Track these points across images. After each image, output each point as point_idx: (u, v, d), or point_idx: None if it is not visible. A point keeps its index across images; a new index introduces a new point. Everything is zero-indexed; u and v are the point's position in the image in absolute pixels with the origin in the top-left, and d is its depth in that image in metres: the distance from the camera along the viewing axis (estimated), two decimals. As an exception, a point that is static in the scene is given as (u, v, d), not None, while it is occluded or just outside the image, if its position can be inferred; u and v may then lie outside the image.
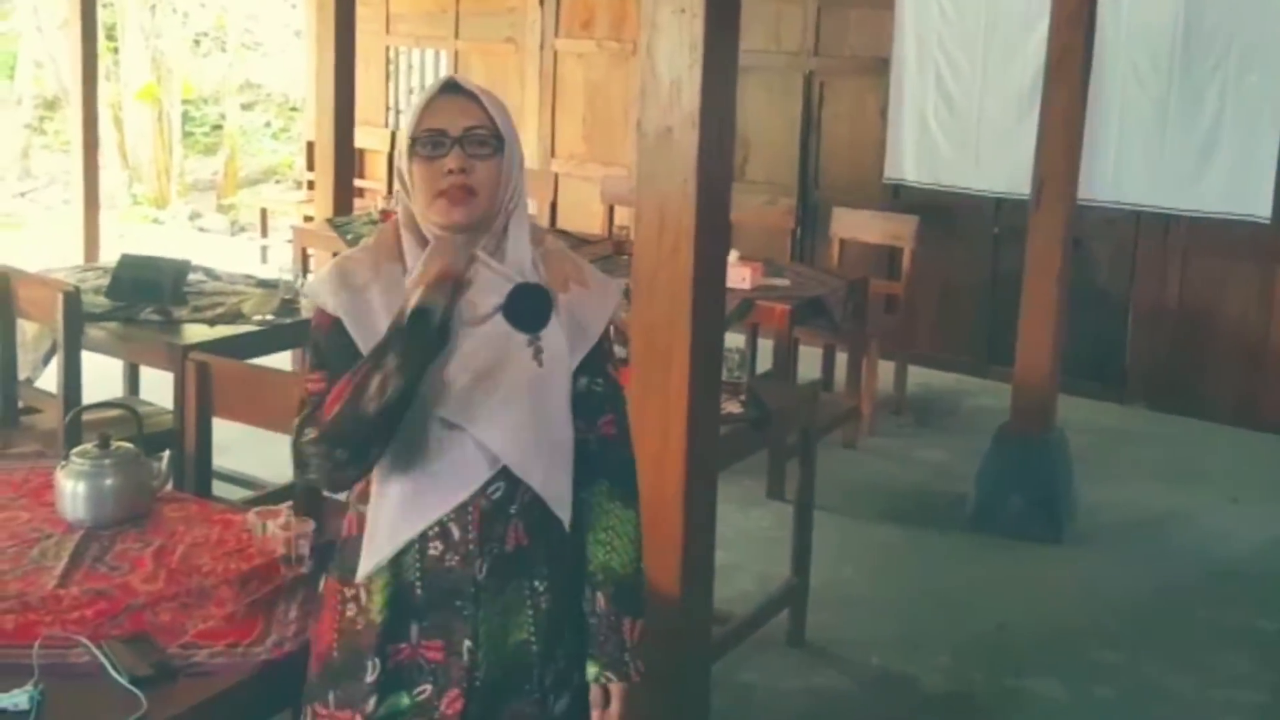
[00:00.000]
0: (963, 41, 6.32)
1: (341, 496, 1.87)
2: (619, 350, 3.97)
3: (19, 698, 1.90)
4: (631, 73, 7.46)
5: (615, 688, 1.86)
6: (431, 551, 1.75)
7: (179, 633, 2.13)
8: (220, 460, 3.32)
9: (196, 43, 12.51)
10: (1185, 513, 5.00)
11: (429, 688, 1.76)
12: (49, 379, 3.96)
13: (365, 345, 1.71)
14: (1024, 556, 4.52)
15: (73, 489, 2.53)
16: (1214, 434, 5.91)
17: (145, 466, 2.64)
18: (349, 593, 1.79)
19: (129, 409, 3.01)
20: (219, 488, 3.70)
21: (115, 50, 11.20)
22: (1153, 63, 5.87)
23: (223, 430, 3.18)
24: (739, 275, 4.89)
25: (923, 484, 5.19)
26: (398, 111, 8.66)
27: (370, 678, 1.76)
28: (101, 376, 4.54)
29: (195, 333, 4.00)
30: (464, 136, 1.73)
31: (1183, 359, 6.15)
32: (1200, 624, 4.10)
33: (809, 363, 5.95)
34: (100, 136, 6.98)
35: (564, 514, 1.81)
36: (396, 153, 1.81)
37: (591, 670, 1.86)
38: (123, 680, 1.96)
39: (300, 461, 1.72)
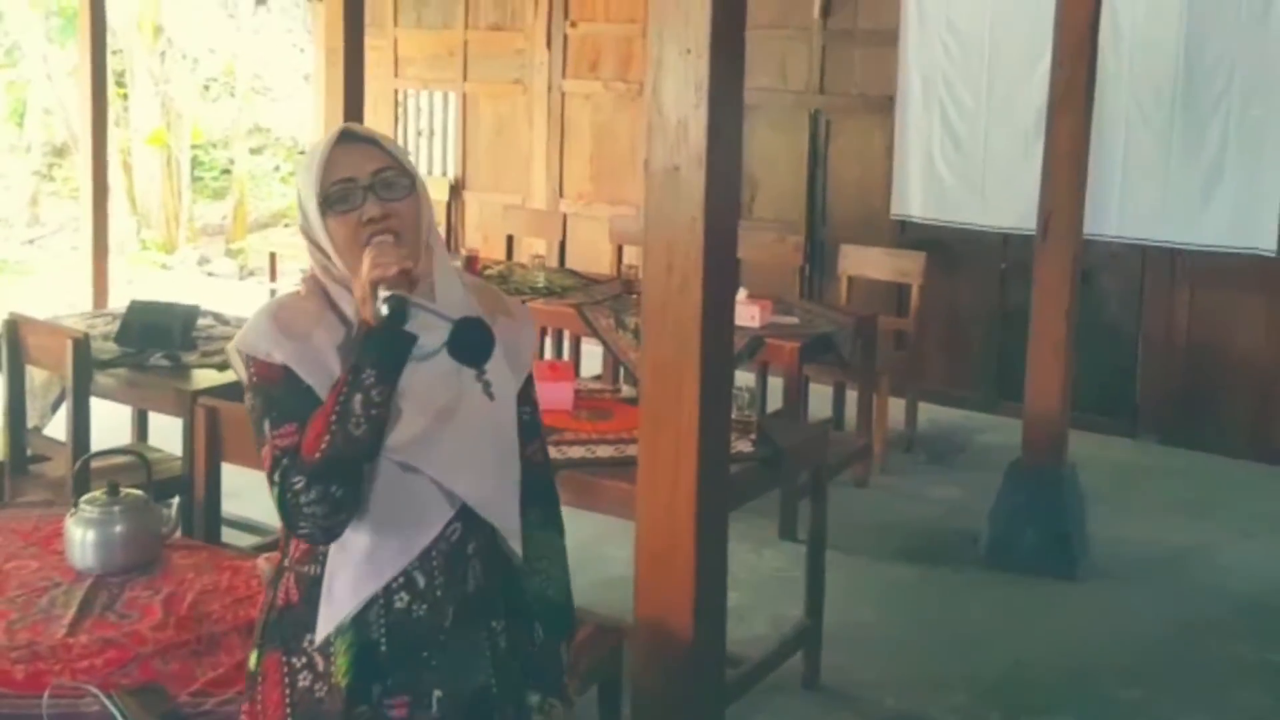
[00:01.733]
0: (967, 78, 6.35)
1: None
2: (628, 391, 3.97)
3: (28, 749, 1.89)
4: (638, 113, 7.50)
5: (556, 711, 1.86)
6: (398, 604, 1.70)
7: (189, 681, 2.13)
8: (229, 506, 3.31)
9: (206, 88, 12.60)
10: (1200, 547, 4.96)
11: None
12: (57, 426, 3.96)
13: (322, 390, 1.66)
14: (1039, 593, 4.48)
15: (82, 537, 2.54)
16: (1226, 467, 5.87)
17: (154, 514, 2.64)
18: (298, 662, 1.70)
19: (138, 455, 3.01)
20: (227, 534, 3.69)
21: (124, 96, 11.29)
22: (1155, 97, 5.88)
23: (231, 475, 3.17)
24: (748, 313, 4.88)
25: (935, 521, 5.15)
26: (406, 153, 8.69)
27: None
28: (110, 423, 4.53)
29: (204, 378, 4.00)
30: (374, 182, 1.69)
31: (1193, 392, 6.12)
32: (1217, 660, 4.05)
33: (819, 400, 5.93)
34: (109, 182, 7.01)
35: (518, 547, 1.79)
36: (301, 219, 1.73)
37: (534, 699, 1.85)
38: (132, 730, 1.95)
39: (292, 516, 1.64)
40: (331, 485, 1.61)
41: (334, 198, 1.68)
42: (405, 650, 1.70)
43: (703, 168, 2.37)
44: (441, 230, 8.24)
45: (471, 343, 1.62)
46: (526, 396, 1.85)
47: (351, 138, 1.73)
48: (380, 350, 1.60)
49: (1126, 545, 4.89)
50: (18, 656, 2.17)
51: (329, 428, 1.60)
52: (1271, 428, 5.92)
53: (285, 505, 1.64)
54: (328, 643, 1.69)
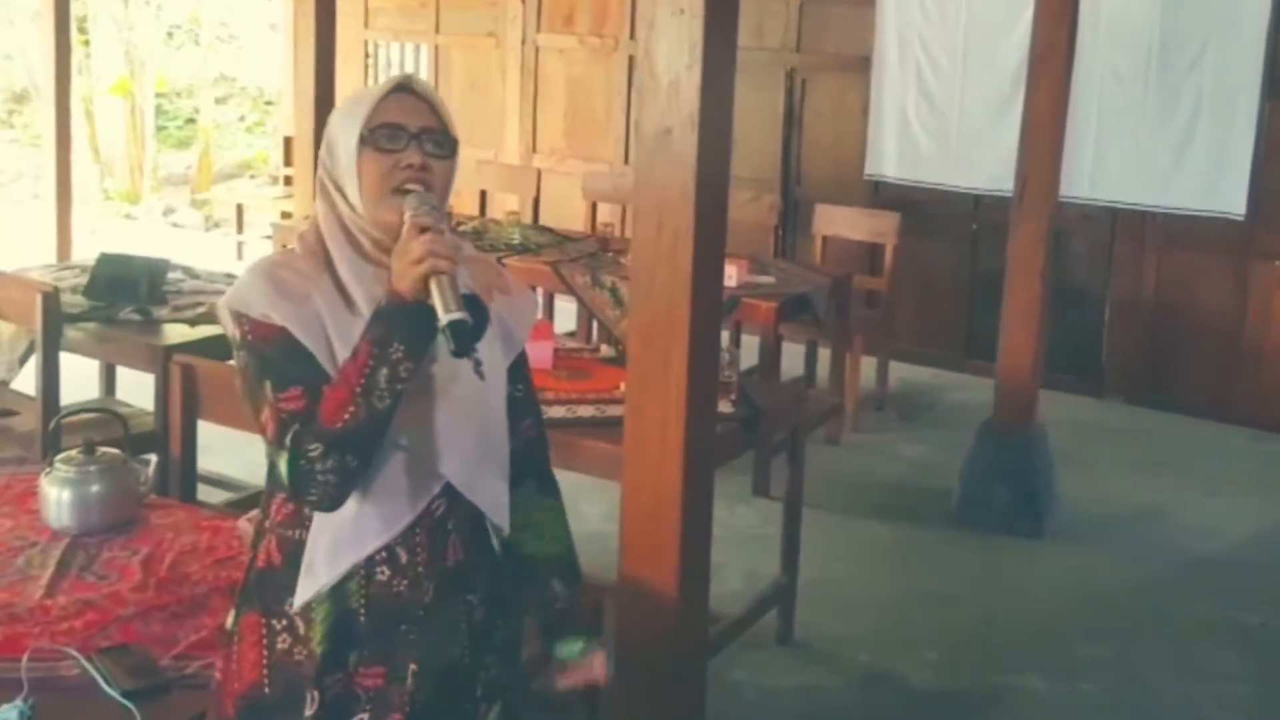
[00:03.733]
0: (943, 40, 6.33)
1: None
2: (607, 351, 3.97)
3: (9, 713, 1.87)
4: (614, 68, 7.44)
5: (600, 654, 1.91)
6: (379, 577, 1.69)
7: (171, 644, 2.11)
8: (201, 462, 3.28)
9: (170, 35, 12.39)
10: (1166, 506, 5.04)
11: (365, 716, 1.70)
12: (25, 380, 3.90)
13: (319, 354, 1.63)
14: (1008, 551, 4.54)
15: (58, 496, 2.50)
16: (1191, 428, 5.96)
17: (131, 472, 2.60)
18: (278, 625, 1.70)
19: (113, 413, 2.97)
20: (202, 490, 3.66)
21: (87, 44, 11.08)
22: (1130, 62, 5.89)
23: (201, 430, 3.15)
24: (726, 272, 4.86)
25: (906, 479, 5.20)
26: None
27: (309, 711, 1.68)
28: (78, 377, 4.47)
29: (176, 333, 3.96)
30: (420, 134, 1.67)
31: (1159, 354, 6.19)
32: (1183, 618, 4.13)
33: (791, 358, 5.94)
34: (72, 131, 6.88)
35: (504, 522, 1.79)
36: (326, 152, 1.71)
37: (577, 646, 1.88)
38: (115, 694, 1.93)
39: (303, 482, 1.61)
40: (348, 455, 1.60)
41: (380, 136, 1.65)
42: (383, 623, 1.70)
43: (695, 129, 2.35)
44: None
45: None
46: (519, 373, 1.84)
47: (407, 89, 1.71)
48: (412, 324, 1.57)
49: (1093, 504, 4.96)
50: (-4, 618, 2.15)
51: (354, 399, 1.58)
52: (1236, 389, 6.00)
53: (297, 471, 1.61)
54: (307, 608, 1.69)
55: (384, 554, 1.69)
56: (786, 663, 3.71)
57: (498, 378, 1.76)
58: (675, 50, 2.32)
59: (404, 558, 1.70)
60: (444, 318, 1.54)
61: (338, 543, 1.67)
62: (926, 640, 3.88)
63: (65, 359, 3.89)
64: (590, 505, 4.06)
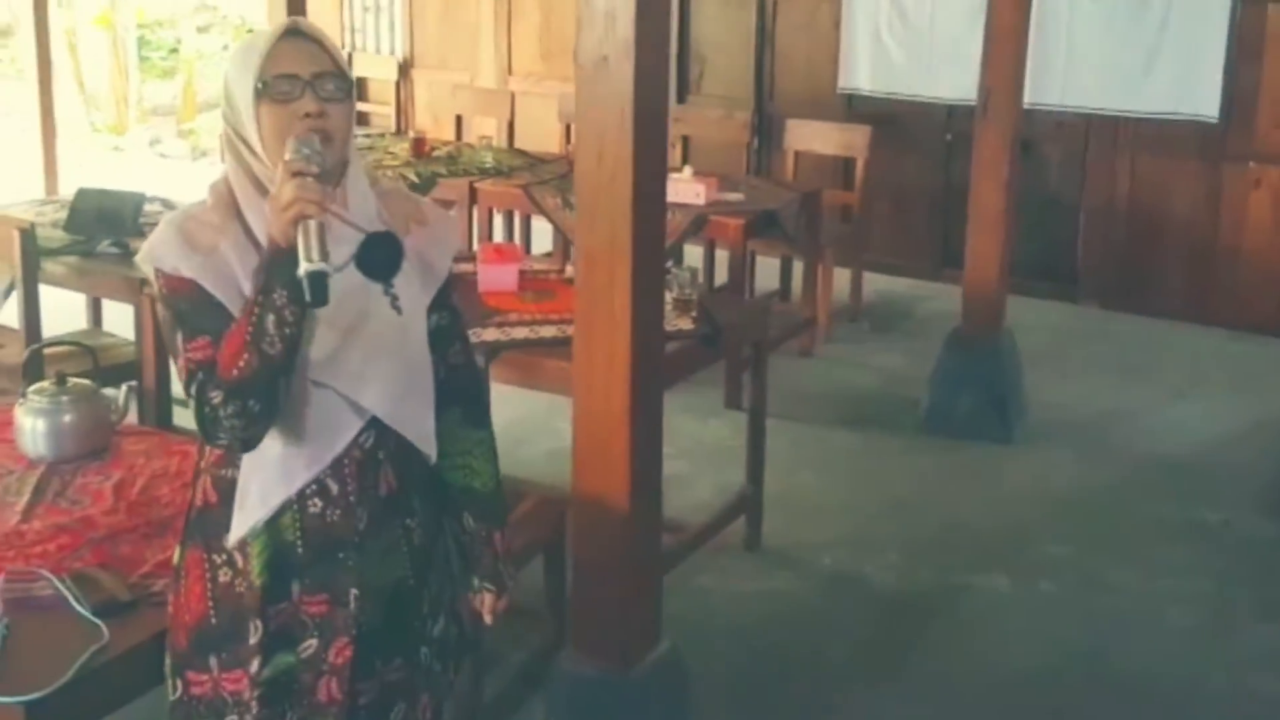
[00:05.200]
0: (913, -51, 6.31)
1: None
2: (570, 270, 4.04)
3: (-14, 630, 1.99)
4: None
5: (491, 595, 1.98)
6: (311, 509, 1.75)
7: (139, 563, 2.22)
8: (179, 390, 3.38)
9: (149, -36, 12.27)
10: (1136, 409, 5.12)
11: (314, 642, 1.78)
12: (9, 313, 4.00)
13: (231, 304, 1.67)
14: (975, 457, 4.64)
15: (32, 426, 2.61)
16: (1165, 330, 6.03)
17: (102, 401, 2.71)
18: (218, 559, 1.77)
19: (83, 346, 3.07)
20: (180, 415, 3.77)
21: (67, -25, 11.00)
22: (1100, -35, 5.88)
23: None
24: (693, 191, 4.94)
25: (878, 389, 5.30)
26: (353, 31, 8.58)
27: (254, 639, 1.76)
28: (66, 309, 4.59)
29: (151, 265, 4.02)
30: (314, 80, 1.68)
31: (1133, 258, 6.25)
32: (1146, 517, 4.23)
33: (767, 273, 6.03)
34: (56, 64, 6.90)
35: (431, 451, 1.85)
36: (225, 104, 1.73)
37: (474, 583, 1.97)
38: (85, 611, 2.05)
39: (210, 428, 1.67)
40: (249, 400, 1.64)
41: (272, 87, 1.67)
42: (321, 551, 1.77)
43: (631, 59, 2.39)
44: (391, 110, 8.17)
45: (379, 257, 1.62)
46: (443, 302, 1.88)
47: (297, 33, 1.72)
48: (288, 271, 1.59)
49: (1063, 409, 5.05)
50: (-27, 543, 2.26)
51: (245, 347, 1.62)
52: (1208, 291, 6.07)
53: (203, 418, 1.67)
54: (243, 543, 1.75)
55: (314, 486, 1.75)
56: (752, 568, 3.84)
57: (416, 310, 1.80)
58: (609, -20, 2.37)
59: (334, 489, 1.76)
60: (304, 267, 1.56)
61: (268, 479, 1.74)
62: (890, 543, 4.00)
63: (52, 292, 3.98)
64: (564, 422, 4.11)
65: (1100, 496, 4.39)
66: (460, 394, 1.92)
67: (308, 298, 1.57)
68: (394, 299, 1.70)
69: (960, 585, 3.79)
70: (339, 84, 1.71)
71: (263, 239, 1.68)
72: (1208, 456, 4.72)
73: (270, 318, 1.61)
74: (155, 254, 1.70)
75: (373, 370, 1.74)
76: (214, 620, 1.79)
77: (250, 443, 1.70)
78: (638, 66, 2.42)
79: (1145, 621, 3.61)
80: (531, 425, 4.44)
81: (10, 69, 11.85)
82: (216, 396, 1.65)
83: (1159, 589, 3.77)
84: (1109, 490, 4.44)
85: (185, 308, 1.70)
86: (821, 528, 4.10)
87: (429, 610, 1.89)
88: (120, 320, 4.61)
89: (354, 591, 1.78)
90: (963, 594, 3.75)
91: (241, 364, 1.63)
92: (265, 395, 1.65)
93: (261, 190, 1.71)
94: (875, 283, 6.34)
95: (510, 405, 3.78)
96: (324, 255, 1.57)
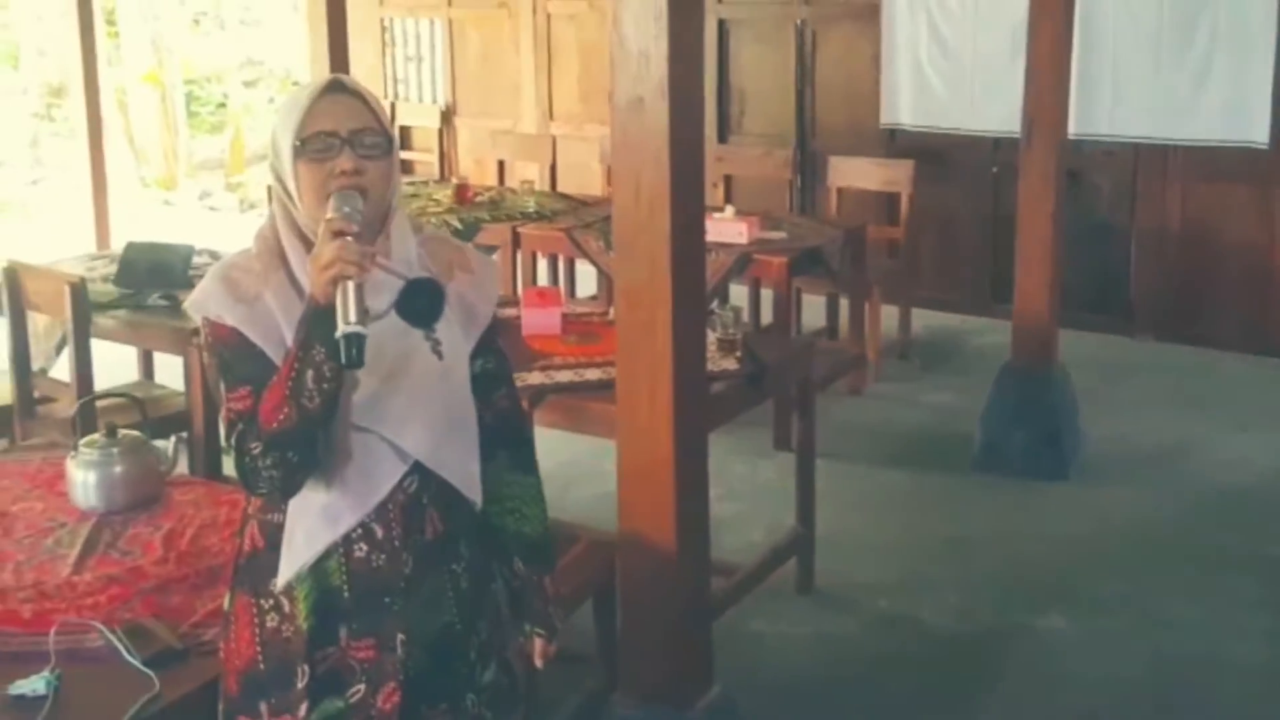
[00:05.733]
0: (952, -18, 6.30)
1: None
2: (615, 312, 4.03)
3: (37, 683, 1.99)
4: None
5: (541, 640, 1.98)
6: (357, 554, 1.76)
7: (189, 613, 2.22)
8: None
9: (196, 22, 12.53)
10: (1194, 442, 5.02)
11: (362, 688, 1.78)
12: (62, 368, 4.05)
13: (274, 353, 1.70)
14: (1030, 494, 4.56)
15: (83, 478, 2.62)
16: (1221, 361, 5.93)
17: (152, 452, 2.72)
18: (266, 604, 1.79)
19: (132, 398, 3.09)
20: (229, 464, 3.78)
21: (116, 35, 11.24)
22: (1142, -5, 5.84)
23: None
24: (735, 230, 4.92)
25: (929, 427, 5.23)
26: (396, 81, 8.69)
27: (300, 684, 1.76)
28: (117, 362, 4.64)
29: (200, 317, 4.06)
30: (352, 138, 1.70)
31: (1187, 289, 6.16)
32: (1207, 552, 4.13)
33: (814, 311, 5.99)
34: (106, 122, 7.03)
35: (476, 496, 1.85)
36: (272, 155, 1.76)
37: (524, 628, 1.97)
38: (136, 662, 2.05)
39: (250, 478, 1.70)
40: (288, 451, 1.66)
41: (310, 145, 1.69)
42: (367, 596, 1.77)
43: (665, 99, 2.40)
44: (434, 158, 8.25)
45: (421, 304, 1.64)
46: (488, 347, 1.88)
47: (338, 89, 1.74)
48: (327, 329, 1.61)
49: (1120, 443, 4.96)
50: (25, 596, 2.27)
51: (285, 400, 1.64)
52: (1266, 320, 5.97)
53: (243, 468, 1.69)
54: (290, 588, 1.76)
55: (359, 531, 1.76)
56: (805, 611, 3.78)
57: (458, 356, 1.81)
58: (642, 21, 2.37)
59: (380, 533, 1.77)
60: (341, 329, 1.58)
61: (313, 524, 1.75)
62: (946, 584, 3.94)
63: (103, 345, 4.02)
64: (612, 464, 4.12)
65: (1160, 532, 4.30)
66: (507, 439, 1.92)
67: (343, 360, 1.59)
68: (435, 344, 1.70)
69: (1020, 626, 3.71)
70: (377, 140, 1.73)
71: (306, 285, 1.69)
72: (1271, 489, 4.61)
73: (309, 373, 1.63)
74: (200, 302, 1.74)
75: (415, 414, 1.75)
76: (262, 665, 1.79)
77: (290, 492, 1.72)
78: (672, 106, 2.43)
79: (1210, 659, 3.51)
80: (579, 469, 4.42)
81: (63, 127, 12.10)
82: (256, 447, 1.67)
83: (1222, 625, 3.68)
84: (1169, 526, 4.34)
85: (229, 356, 1.73)
86: (875, 569, 4.04)
87: (477, 657, 1.88)
88: (171, 372, 4.65)
89: (401, 636, 1.78)
90: (1022, 635, 3.67)
91: (281, 417, 1.65)
92: (304, 447, 1.67)
93: (305, 240, 1.74)
94: (924, 318, 6.28)
95: (557, 449, 3.77)
96: (361, 317, 1.59)
